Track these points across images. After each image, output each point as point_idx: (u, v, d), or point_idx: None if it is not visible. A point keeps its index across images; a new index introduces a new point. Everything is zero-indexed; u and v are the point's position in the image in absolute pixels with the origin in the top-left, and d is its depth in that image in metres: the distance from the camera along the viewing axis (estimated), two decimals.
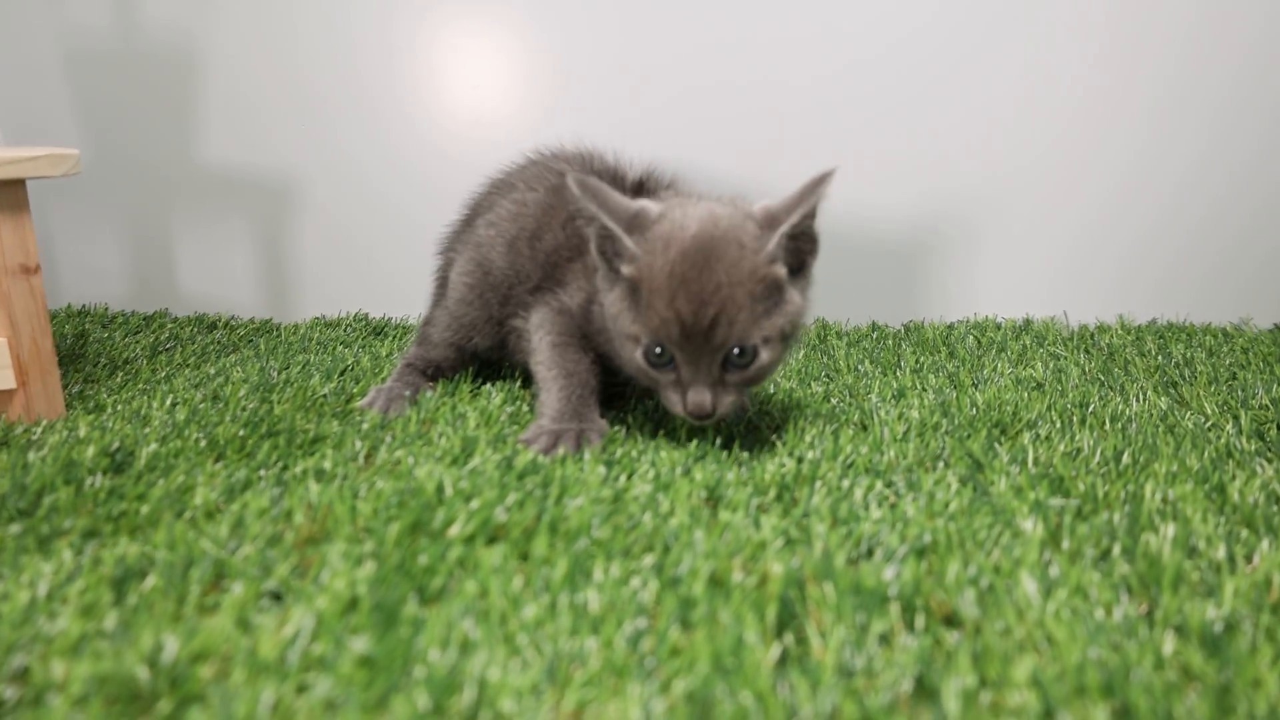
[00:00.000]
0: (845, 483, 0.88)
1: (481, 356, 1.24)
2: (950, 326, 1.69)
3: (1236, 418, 1.16)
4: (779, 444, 1.00)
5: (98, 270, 1.77)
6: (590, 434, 0.97)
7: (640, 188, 1.12)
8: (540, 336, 1.07)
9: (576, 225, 1.09)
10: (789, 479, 0.88)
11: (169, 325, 1.65)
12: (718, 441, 0.98)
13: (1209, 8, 1.64)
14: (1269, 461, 0.98)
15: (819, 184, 0.92)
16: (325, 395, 1.18)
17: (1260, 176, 1.71)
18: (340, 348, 1.49)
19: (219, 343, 1.54)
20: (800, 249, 0.95)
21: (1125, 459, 0.96)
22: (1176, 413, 1.16)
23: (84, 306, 1.76)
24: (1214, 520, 0.80)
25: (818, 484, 0.87)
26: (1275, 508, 0.83)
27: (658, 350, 0.90)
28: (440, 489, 0.80)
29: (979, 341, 1.58)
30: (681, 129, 1.64)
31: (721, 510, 0.80)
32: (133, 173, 1.73)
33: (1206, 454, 0.99)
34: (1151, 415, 1.15)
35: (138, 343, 1.51)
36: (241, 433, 0.99)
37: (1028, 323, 1.71)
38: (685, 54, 1.66)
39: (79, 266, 1.78)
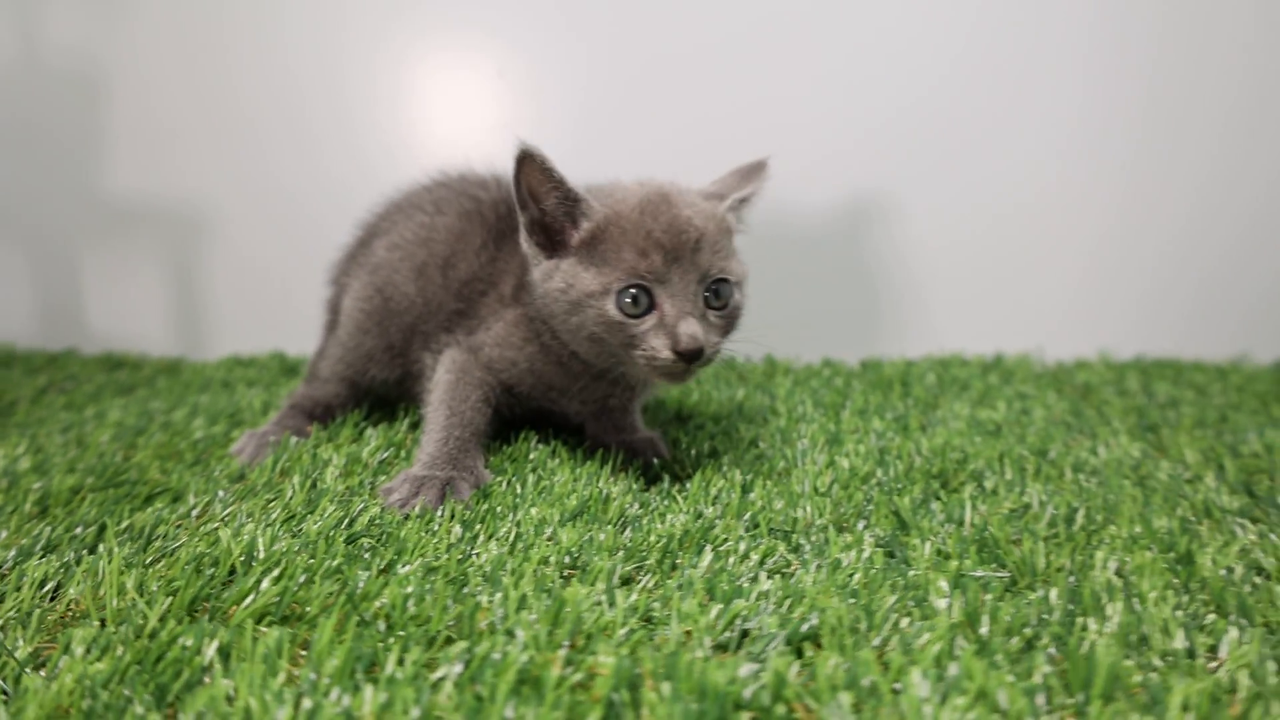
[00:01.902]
0: (742, 545, 0.75)
1: (377, 393, 1.12)
2: (911, 363, 1.56)
3: (1221, 467, 1.02)
4: (679, 497, 0.87)
5: (5, 306, 1.67)
6: (460, 483, 0.85)
7: None
8: (441, 374, 0.98)
9: (490, 254, 1.02)
10: (676, 540, 0.75)
11: (75, 363, 1.54)
12: (609, 489, 0.86)
13: (1198, 39, 1.53)
14: (1253, 522, 0.84)
15: (757, 171, 0.97)
16: (198, 440, 1.07)
17: (1260, 197, 1.59)
18: (243, 388, 1.38)
19: (118, 383, 1.43)
20: None
21: (1079, 519, 0.82)
22: (1150, 462, 1.03)
23: None
24: (1174, 600, 0.66)
25: (707, 547, 0.74)
26: (1253, 583, 0.69)
27: (632, 293, 0.85)
28: (251, 555, 0.68)
29: (940, 380, 1.44)
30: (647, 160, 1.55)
31: (577, 582, 0.67)
32: (41, 203, 1.64)
33: (1178, 512, 0.86)
34: (1121, 464, 1.01)
35: (31, 382, 1.41)
36: (87, 482, 0.88)
37: (998, 359, 1.58)
38: (653, 88, 1.57)
39: None
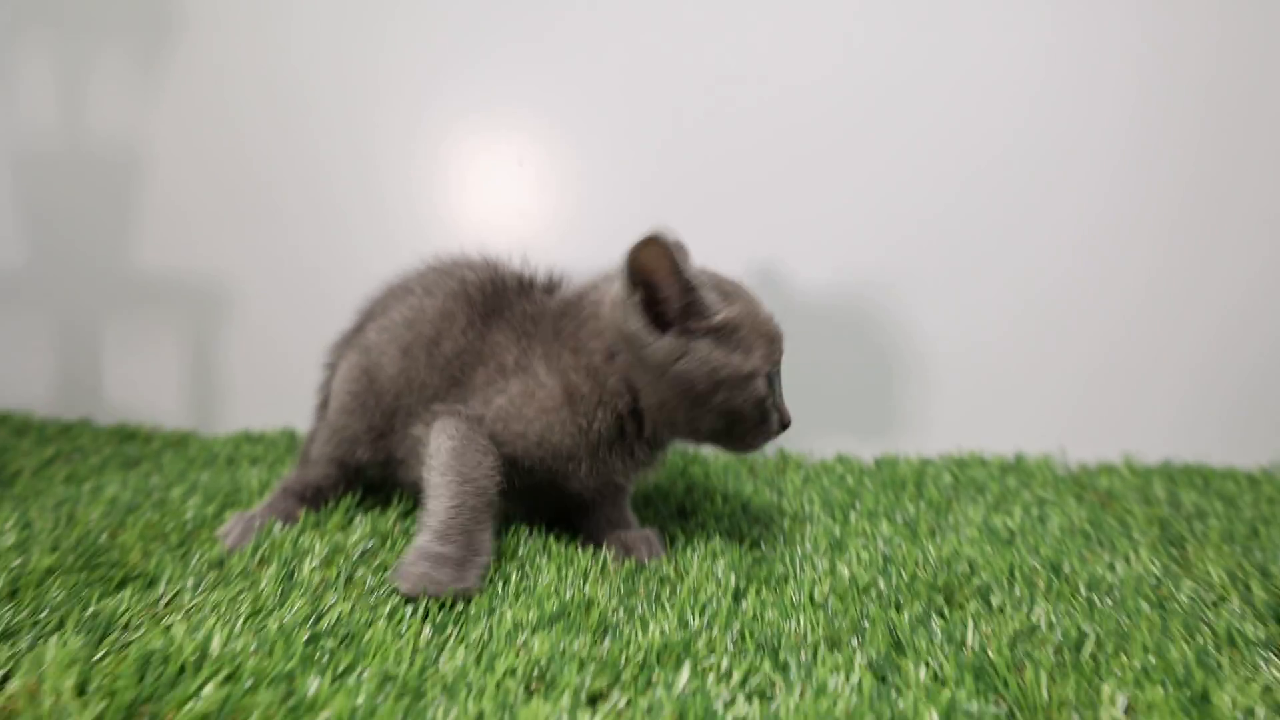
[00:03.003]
0: (725, 661, 0.71)
1: (368, 476, 1.11)
2: (927, 462, 1.51)
3: (1248, 589, 0.96)
4: (666, 603, 0.84)
5: (26, 375, 1.70)
6: (470, 569, 0.85)
7: (550, 288, 1.08)
8: (440, 441, 0.96)
9: (477, 331, 1.02)
10: (655, 653, 0.72)
11: (86, 434, 1.55)
12: (593, 592, 0.82)
13: (1235, 127, 1.52)
14: (1279, 655, 0.78)
15: None
16: (189, 520, 1.05)
17: None
18: (247, 465, 1.37)
19: (124, 455, 1.43)
20: None
21: (1089, 645, 0.77)
22: (1172, 580, 0.97)
23: (6, 412, 1.67)
24: None
25: (687, 663, 0.70)
26: None
27: (771, 376, 0.98)
28: (204, 653, 0.66)
29: (956, 480, 1.40)
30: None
31: (540, 699, 0.63)
32: (68, 275, 1.68)
33: (1198, 640, 0.80)
34: (1140, 582, 0.96)
35: (39, 452, 1.41)
36: (66, 562, 0.87)
37: (1018, 460, 1.53)
38: (665, 174, 1.59)
39: (8, 370, 1.71)
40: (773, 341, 0.97)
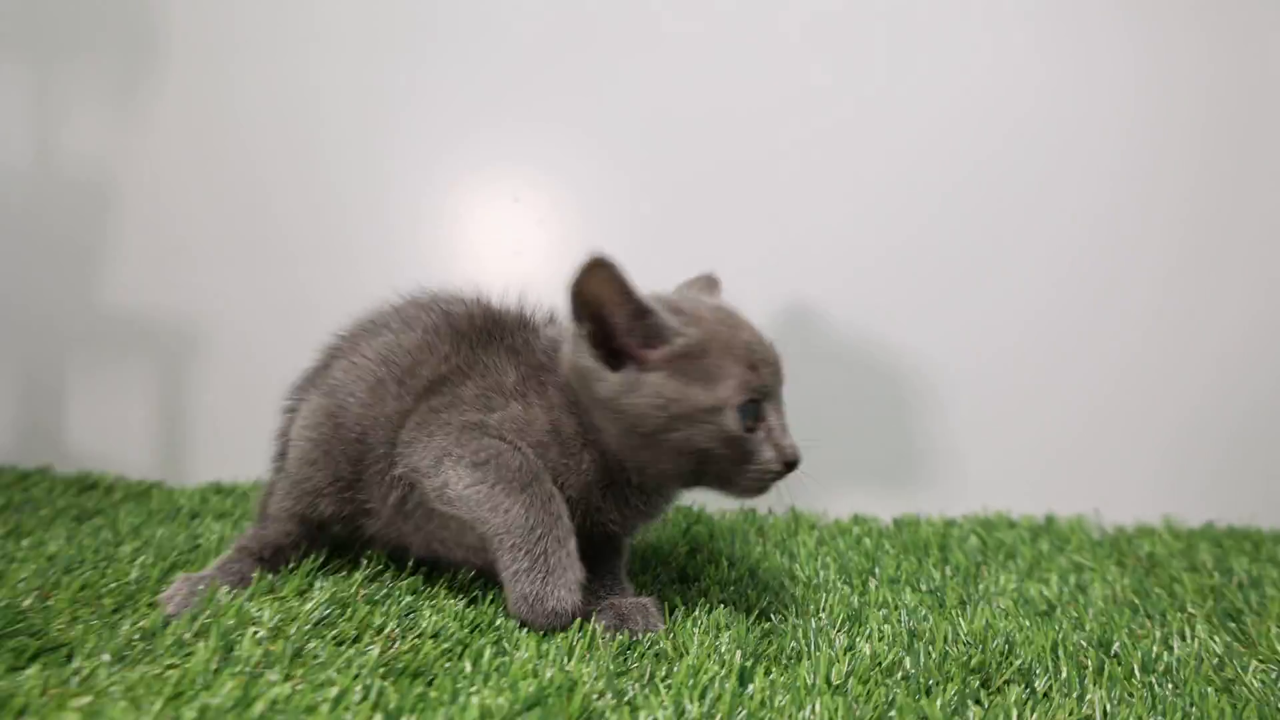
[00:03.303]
0: None
1: (334, 533, 1.00)
2: (951, 523, 1.40)
3: None
4: (661, 686, 0.72)
5: None
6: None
7: (526, 324, 1.00)
8: (449, 466, 0.86)
9: (465, 356, 0.94)
10: None
11: (42, 484, 1.45)
12: (578, 671, 0.71)
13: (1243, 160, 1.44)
14: None
15: (715, 288, 1.03)
16: (131, 581, 0.95)
17: None
18: (210, 520, 1.27)
19: (81, 507, 1.33)
20: None
21: None
22: (1237, 660, 0.85)
23: None
24: None
25: None
26: None
27: (750, 407, 0.85)
28: None
29: (983, 544, 1.28)
30: None
31: None
32: (31, 312, 1.59)
33: None
34: (1201, 663, 0.84)
35: None
36: None
37: (1049, 521, 1.41)
38: (662, 212, 1.51)
39: None
40: (754, 367, 0.85)
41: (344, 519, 0.98)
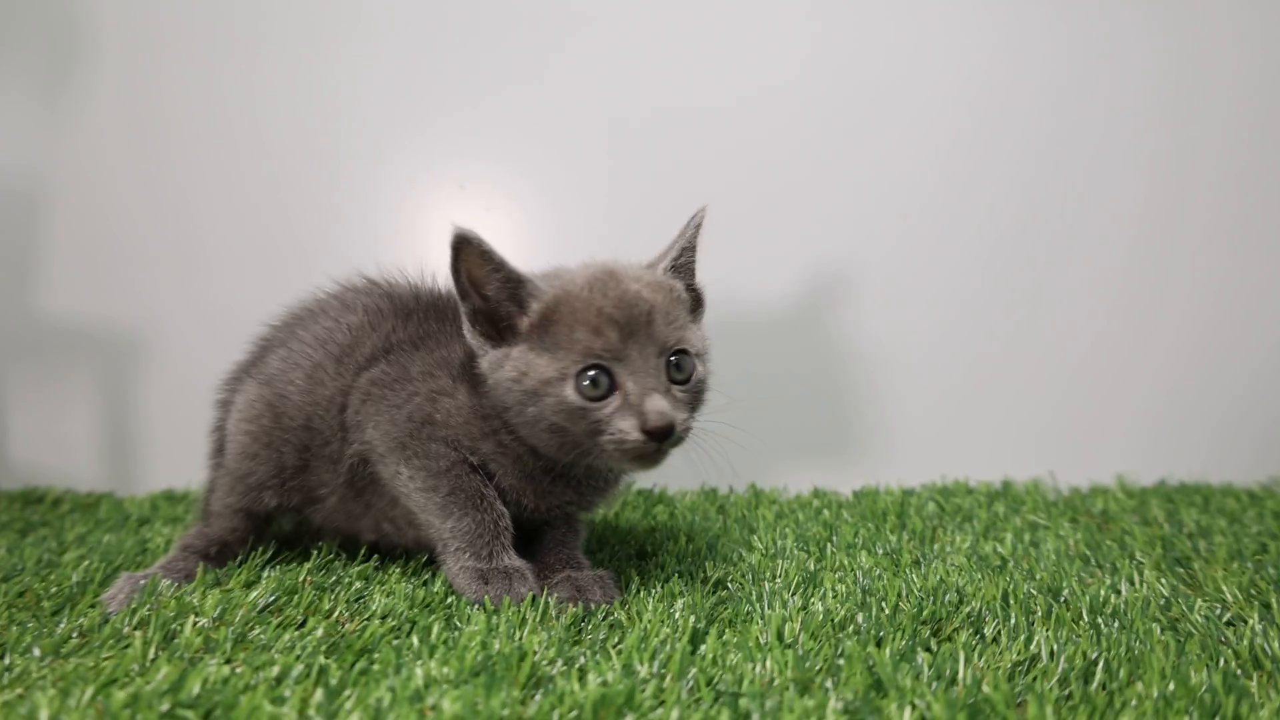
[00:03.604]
0: (675, 713, 0.59)
1: (281, 525, 0.99)
2: (909, 492, 1.41)
3: (1267, 606, 0.86)
4: (612, 652, 0.72)
5: None
6: (517, 581, 0.84)
7: None
8: (404, 461, 0.87)
9: (413, 329, 0.94)
10: (590, 707, 0.60)
11: None
12: (529, 642, 0.70)
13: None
14: None
15: (689, 225, 0.91)
16: (73, 585, 0.92)
17: None
18: (160, 525, 1.24)
19: (26, 520, 1.29)
20: (689, 288, 0.90)
21: (1098, 674, 0.66)
22: (1183, 600, 0.86)
23: None
24: None
25: (629, 717, 0.59)
26: None
27: (591, 374, 0.79)
28: None
29: (941, 510, 1.29)
30: None
31: None
32: None
33: (1220, 664, 0.69)
34: (1149, 605, 0.85)
35: None
36: None
37: (1006, 486, 1.43)
38: (608, 194, 1.51)
39: None
40: (598, 331, 0.79)
41: (291, 509, 0.96)
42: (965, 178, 1.52)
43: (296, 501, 0.95)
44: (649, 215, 1.50)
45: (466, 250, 0.81)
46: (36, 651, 0.69)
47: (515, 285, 0.83)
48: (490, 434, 0.87)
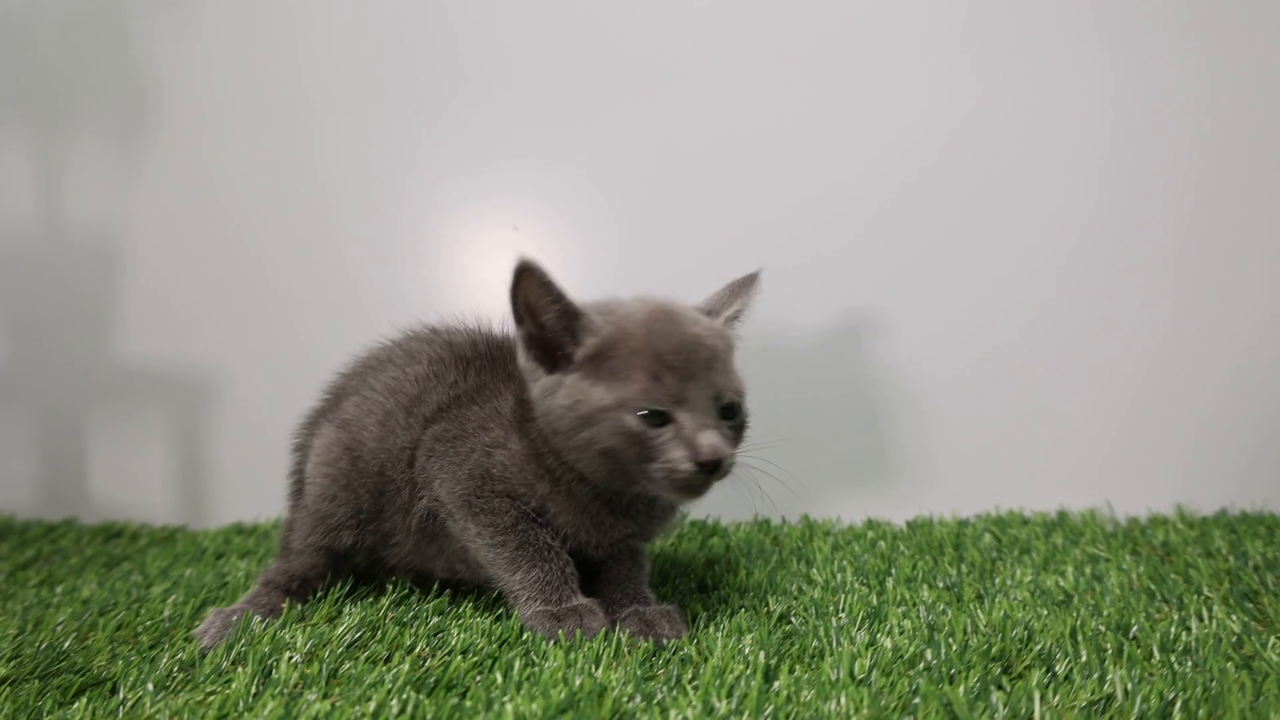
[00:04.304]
0: None
1: (357, 562, 1.03)
2: (964, 523, 1.41)
3: None
4: (688, 688, 0.74)
5: (8, 476, 1.64)
6: (588, 617, 0.87)
7: None
8: (472, 517, 0.91)
9: (472, 381, 0.97)
10: None
11: (70, 535, 1.47)
12: (606, 678, 0.73)
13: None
14: None
15: (748, 285, 0.97)
16: (165, 619, 0.97)
17: None
18: (236, 559, 1.29)
19: (109, 554, 1.35)
20: None
21: (1175, 715, 0.67)
22: (1255, 638, 0.86)
23: None
24: None
25: None
26: None
27: (644, 413, 0.83)
28: None
29: (998, 541, 1.29)
30: None
31: None
32: (49, 369, 1.63)
33: None
34: (1220, 642, 0.85)
35: (18, 556, 1.33)
36: (24, 670, 0.78)
37: (1062, 516, 1.42)
38: (657, 228, 1.55)
39: None
40: (660, 376, 0.83)
41: (366, 549, 1.00)
42: (1017, 199, 1.52)
43: (372, 542, 0.99)
44: (691, 252, 1.54)
45: (527, 278, 0.84)
46: (149, 687, 0.73)
47: (572, 318, 0.86)
48: (544, 474, 0.90)
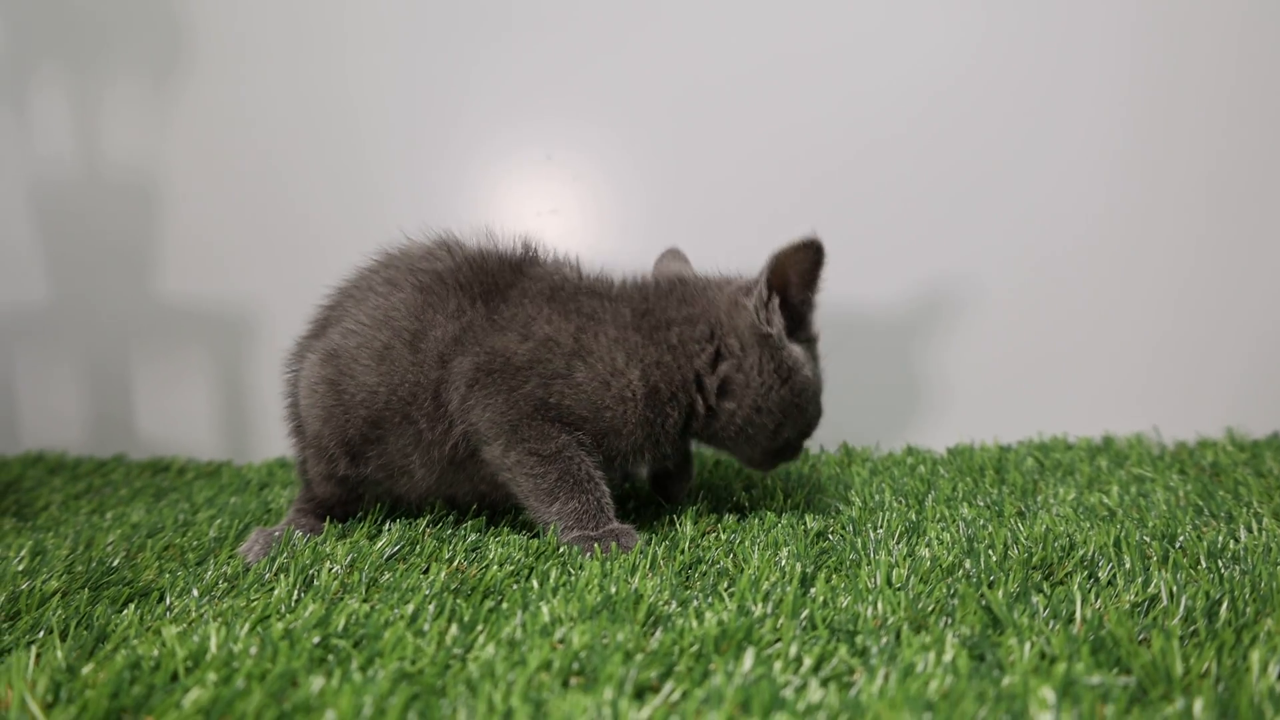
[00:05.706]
0: (794, 648, 0.61)
1: (375, 490, 1.02)
2: (1006, 449, 1.39)
3: None
4: (724, 595, 0.74)
5: (59, 415, 1.68)
6: (624, 538, 0.88)
7: (533, 259, 1.00)
8: (515, 445, 0.90)
9: (479, 311, 0.94)
10: (712, 642, 0.62)
11: (119, 470, 1.51)
12: (642, 586, 0.73)
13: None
14: None
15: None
16: (211, 539, 0.99)
17: None
18: (279, 489, 1.31)
19: (157, 487, 1.38)
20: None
21: (1223, 613, 0.65)
22: None
23: (40, 452, 1.64)
24: None
25: (749, 649, 0.61)
26: None
27: None
28: (200, 657, 0.58)
29: (1040, 465, 1.27)
30: None
31: (579, 693, 0.54)
32: (93, 310, 1.66)
33: None
34: (1270, 551, 0.83)
35: (70, 488, 1.37)
36: (75, 583, 0.81)
37: (1107, 441, 1.40)
38: (693, 168, 1.52)
39: (41, 410, 1.69)
40: None
41: (370, 482, 0.98)
42: (1055, 119, 1.48)
43: (370, 473, 0.97)
44: (725, 189, 1.51)
45: (816, 254, 0.90)
46: (195, 593, 0.74)
47: (810, 305, 0.96)
48: (642, 399, 0.92)
